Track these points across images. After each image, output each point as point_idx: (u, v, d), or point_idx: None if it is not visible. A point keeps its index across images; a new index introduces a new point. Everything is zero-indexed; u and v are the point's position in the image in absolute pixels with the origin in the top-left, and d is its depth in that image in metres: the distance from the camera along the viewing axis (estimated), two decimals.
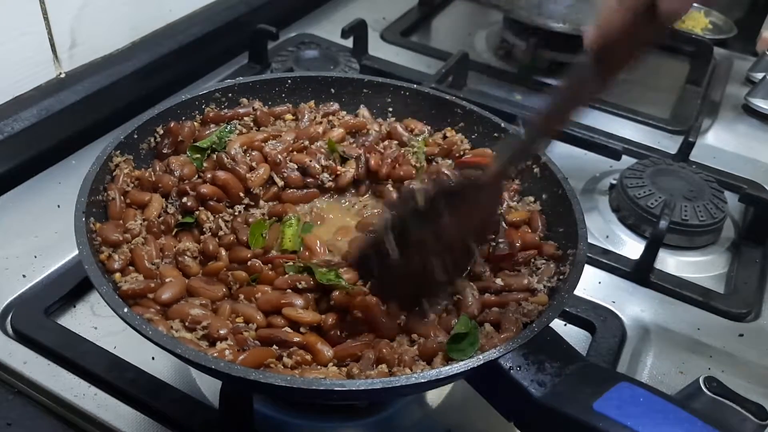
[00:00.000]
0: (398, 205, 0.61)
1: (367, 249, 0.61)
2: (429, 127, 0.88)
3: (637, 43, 0.54)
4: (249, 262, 0.69)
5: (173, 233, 0.73)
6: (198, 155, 0.79)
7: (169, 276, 0.66)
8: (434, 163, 0.84)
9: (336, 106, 0.88)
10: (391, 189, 0.81)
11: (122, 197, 0.72)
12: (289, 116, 0.87)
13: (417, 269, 0.60)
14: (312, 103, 0.88)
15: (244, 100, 0.86)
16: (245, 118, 0.84)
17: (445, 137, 0.86)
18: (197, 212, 0.74)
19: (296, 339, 0.62)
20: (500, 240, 0.72)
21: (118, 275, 0.65)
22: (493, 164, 0.63)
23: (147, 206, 0.73)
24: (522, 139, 0.61)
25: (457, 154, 0.84)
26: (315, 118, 0.87)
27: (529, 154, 0.68)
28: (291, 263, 0.69)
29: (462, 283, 0.67)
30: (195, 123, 0.82)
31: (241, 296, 0.67)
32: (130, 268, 0.67)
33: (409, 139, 0.85)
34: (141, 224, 0.71)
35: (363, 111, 0.88)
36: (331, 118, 0.87)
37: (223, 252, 0.71)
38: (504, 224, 0.74)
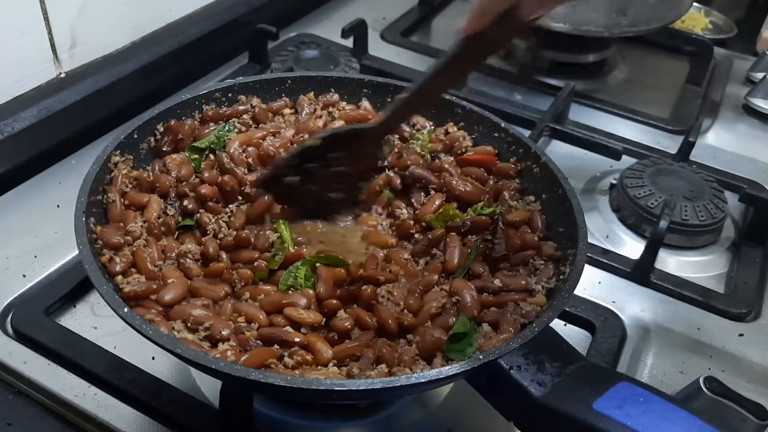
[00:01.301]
0: (301, 145, 0.72)
1: (273, 173, 0.72)
2: (431, 122, 0.88)
3: (500, 38, 0.63)
4: (255, 263, 0.69)
5: (175, 236, 0.73)
6: (196, 155, 0.79)
7: (171, 277, 0.66)
8: (437, 160, 0.83)
9: (336, 96, 0.88)
10: (392, 175, 0.81)
11: (122, 199, 0.72)
12: (287, 111, 0.87)
13: (312, 191, 0.72)
14: (311, 94, 0.88)
15: (242, 98, 0.86)
16: (244, 116, 0.84)
17: (447, 133, 0.86)
18: (198, 214, 0.74)
19: (297, 339, 0.62)
20: (497, 240, 0.72)
21: (119, 277, 0.65)
22: (377, 118, 0.73)
23: (146, 208, 0.73)
24: (402, 99, 0.68)
25: (459, 151, 0.84)
26: (315, 110, 0.87)
27: (407, 115, 0.79)
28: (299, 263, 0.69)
29: (460, 284, 0.67)
30: (195, 121, 0.82)
31: (246, 294, 0.66)
32: (132, 270, 0.67)
33: (411, 134, 0.85)
34: (141, 226, 0.71)
35: (365, 103, 0.88)
36: (331, 109, 0.87)
37: (224, 254, 0.71)
38: (501, 224, 0.74)
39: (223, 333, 0.61)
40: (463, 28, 0.61)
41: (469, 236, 0.75)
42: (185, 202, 0.74)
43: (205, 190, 0.74)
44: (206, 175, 0.76)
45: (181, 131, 0.79)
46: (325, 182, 0.71)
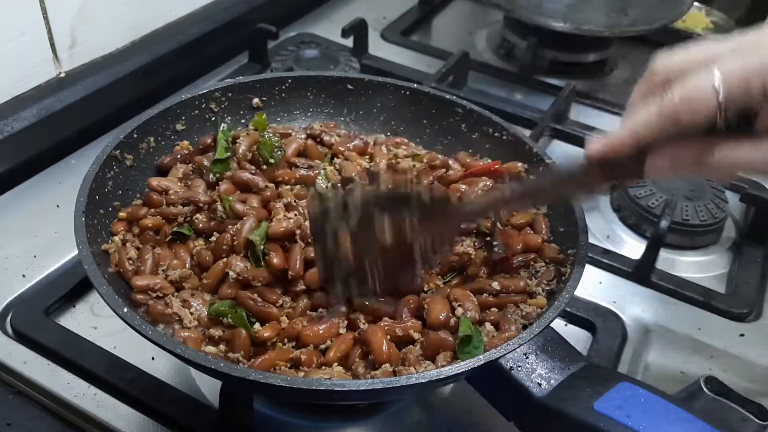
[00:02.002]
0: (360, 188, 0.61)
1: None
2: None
3: (623, 174, 0.59)
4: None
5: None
6: (221, 166, 0.79)
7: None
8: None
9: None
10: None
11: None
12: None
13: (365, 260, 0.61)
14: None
15: (257, 101, 0.87)
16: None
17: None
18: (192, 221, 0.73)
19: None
20: (496, 243, 0.72)
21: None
22: (469, 203, 0.68)
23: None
24: (501, 196, 0.64)
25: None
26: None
27: (498, 209, 0.70)
28: None
29: (460, 291, 0.67)
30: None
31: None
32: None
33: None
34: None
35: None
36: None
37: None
38: (499, 225, 0.74)
39: None
40: (593, 150, 0.57)
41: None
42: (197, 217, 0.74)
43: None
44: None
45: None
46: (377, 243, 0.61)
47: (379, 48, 1.33)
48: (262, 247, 0.68)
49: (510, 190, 0.64)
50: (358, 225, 0.60)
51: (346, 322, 0.65)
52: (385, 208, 0.60)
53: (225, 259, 0.68)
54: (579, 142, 1.11)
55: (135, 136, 0.77)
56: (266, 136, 0.80)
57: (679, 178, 1.02)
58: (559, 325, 0.84)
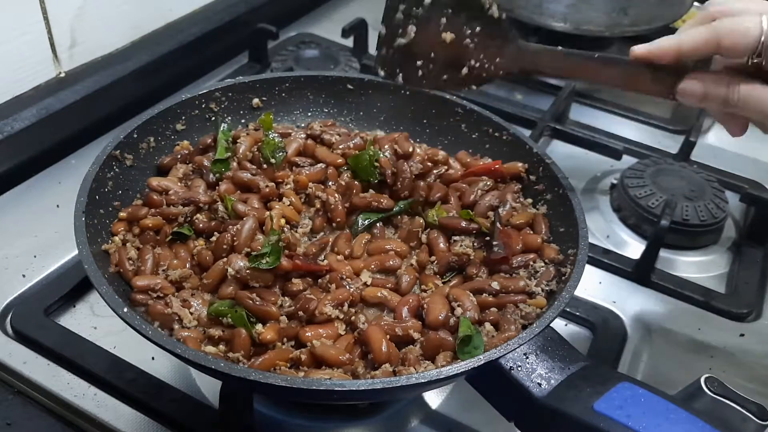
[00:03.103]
0: None
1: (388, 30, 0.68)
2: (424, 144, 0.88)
3: (656, 84, 0.64)
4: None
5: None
6: (221, 166, 0.79)
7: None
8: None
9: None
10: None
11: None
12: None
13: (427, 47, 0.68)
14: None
15: (256, 101, 0.88)
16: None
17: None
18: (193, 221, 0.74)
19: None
20: (495, 243, 0.72)
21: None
22: (533, 45, 0.70)
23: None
24: (560, 51, 0.68)
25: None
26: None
27: (549, 66, 0.73)
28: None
29: (459, 291, 0.67)
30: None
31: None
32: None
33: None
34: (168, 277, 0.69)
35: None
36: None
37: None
38: (499, 225, 0.74)
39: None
40: (640, 50, 0.63)
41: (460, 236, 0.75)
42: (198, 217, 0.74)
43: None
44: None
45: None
46: (440, 37, 0.66)
47: None
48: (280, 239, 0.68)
49: (564, 49, 0.68)
50: (427, 13, 0.66)
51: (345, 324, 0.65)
52: (455, 7, 0.66)
53: (225, 259, 0.68)
54: (579, 142, 1.11)
55: (135, 136, 0.77)
56: (270, 136, 0.80)
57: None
58: (559, 324, 0.84)
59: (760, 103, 0.60)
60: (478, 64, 0.67)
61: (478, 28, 0.65)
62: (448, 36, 0.68)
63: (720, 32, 0.59)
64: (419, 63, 0.68)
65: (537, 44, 0.72)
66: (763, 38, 0.57)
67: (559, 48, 0.69)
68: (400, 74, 0.69)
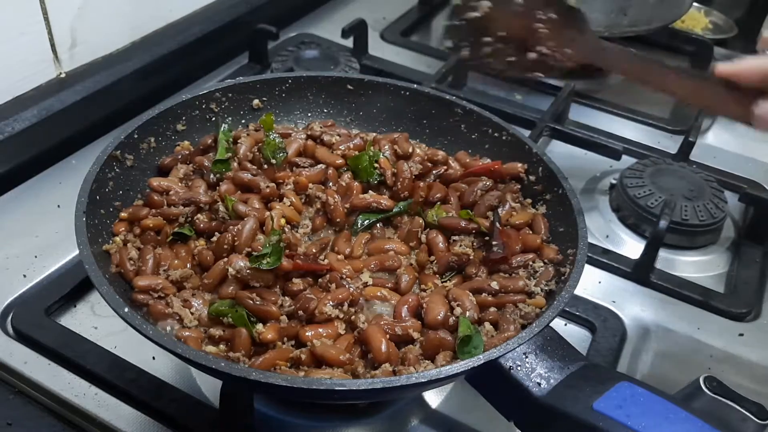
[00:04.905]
0: None
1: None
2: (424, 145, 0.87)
3: (733, 104, 0.62)
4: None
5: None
6: (222, 167, 0.79)
7: None
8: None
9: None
10: None
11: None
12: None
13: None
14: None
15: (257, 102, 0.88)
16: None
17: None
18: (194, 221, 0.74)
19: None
20: (494, 243, 0.72)
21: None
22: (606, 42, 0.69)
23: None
24: (632, 54, 0.67)
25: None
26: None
27: (617, 64, 0.73)
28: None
29: (458, 291, 0.68)
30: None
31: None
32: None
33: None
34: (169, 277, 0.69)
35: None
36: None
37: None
38: (498, 224, 0.74)
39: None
40: (725, 69, 0.60)
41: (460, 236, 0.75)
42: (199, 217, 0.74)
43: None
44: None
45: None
46: (513, 17, 0.65)
47: (378, 48, 1.33)
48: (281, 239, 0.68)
49: (638, 53, 0.66)
50: None
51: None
52: None
53: (226, 258, 0.68)
54: (578, 142, 1.11)
55: (136, 136, 0.77)
56: (271, 136, 0.80)
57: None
58: (558, 324, 0.84)
59: None
60: (548, 52, 0.65)
61: (553, 15, 0.63)
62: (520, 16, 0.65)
63: None
64: (488, 40, 0.65)
65: (610, 42, 0.70)
66: None
67: (632, 50, 0.67)
68: (467, 48, 0.66)
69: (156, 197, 0.74)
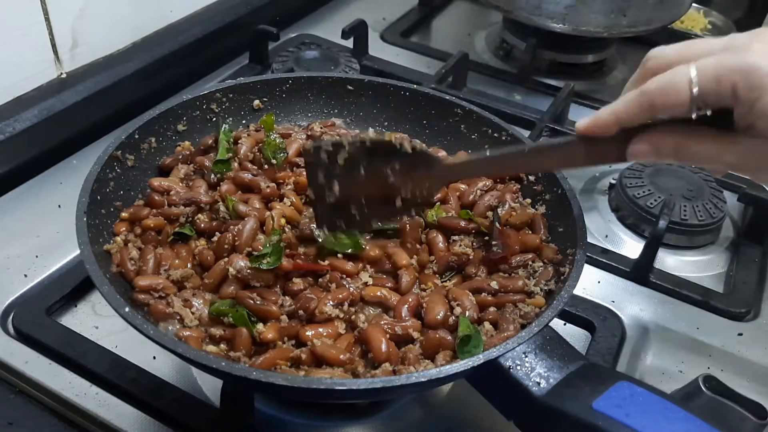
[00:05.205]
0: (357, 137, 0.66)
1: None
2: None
3: (606, 153, 0.60)
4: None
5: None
6: (223, 167, 0.79)
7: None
8: None
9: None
10: None
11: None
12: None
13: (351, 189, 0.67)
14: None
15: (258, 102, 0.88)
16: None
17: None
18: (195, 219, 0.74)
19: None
20: (494, 242, 0.72)
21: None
22: (455, 160, 0.70)
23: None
24: (486, 156, 0.67)
25: None
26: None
27: (480, 172, 0.74)
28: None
29: (458, 290, 0.68)
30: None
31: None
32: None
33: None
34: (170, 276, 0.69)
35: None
36: None
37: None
38: (498, 224, 0.74)
39: None
40: (583, 126, 0.59)
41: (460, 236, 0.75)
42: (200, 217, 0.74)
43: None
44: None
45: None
46: (365, 184, 0.66)
47: (379, 49, 1.33)
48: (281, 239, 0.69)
49: (492, 153, 0.67)
50: (345, 171, 0.65)
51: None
52: (370, 155, 0.65)
53: (226, 258, 0.69)
54: None
55: (136, 136, 0.77)
56: (272, 137, 0.81)
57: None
58: (557, 324, 0.84)
59: (711, 160, 0.55)
60: (410, 194, 0.67)
61: (397, 166, 0.65)
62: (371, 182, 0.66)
63: (650, 95, 0.53)
64: (354, 211, 0.67)
65: (460, 156, 0.72)
66: (695, 91, 0.51)
67: (487, 152, 0.68)
68: (342, 224, 0.68)
69: (157, 197, 0.75)
